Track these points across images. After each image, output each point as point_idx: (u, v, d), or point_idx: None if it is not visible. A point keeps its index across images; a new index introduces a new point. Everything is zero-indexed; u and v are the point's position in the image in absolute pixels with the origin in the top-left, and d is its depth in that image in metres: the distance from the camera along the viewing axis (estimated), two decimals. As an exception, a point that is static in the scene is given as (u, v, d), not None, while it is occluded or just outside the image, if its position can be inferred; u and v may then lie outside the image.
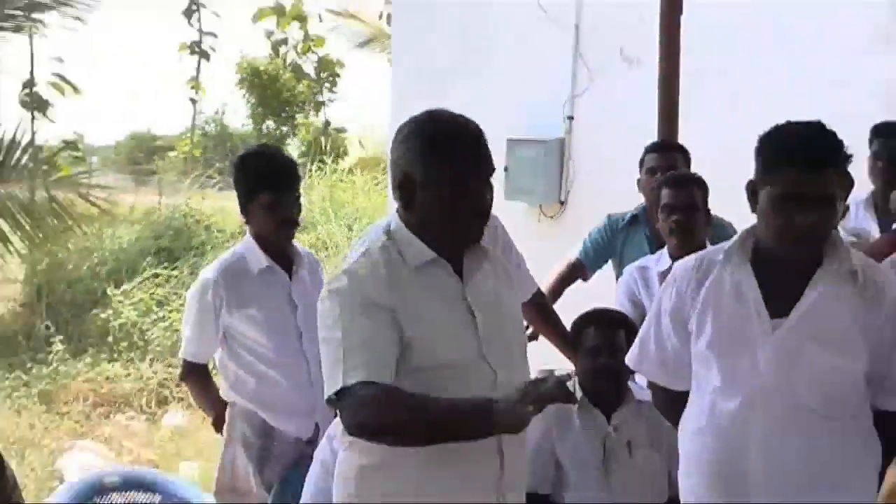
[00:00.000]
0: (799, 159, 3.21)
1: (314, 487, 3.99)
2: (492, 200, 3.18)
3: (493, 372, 3.10)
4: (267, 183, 4.72)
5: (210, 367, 5.09)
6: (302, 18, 22.05)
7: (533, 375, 3.50)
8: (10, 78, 16.55)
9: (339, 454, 3.27)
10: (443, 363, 3.03)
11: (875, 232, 5.06)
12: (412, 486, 3.07)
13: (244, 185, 4.79)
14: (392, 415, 2.95)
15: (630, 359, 3.65)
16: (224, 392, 4.88)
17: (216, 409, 4.91)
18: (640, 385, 4.61)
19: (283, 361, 4.66)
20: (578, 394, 4.53)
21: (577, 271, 5.77)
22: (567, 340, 4.84)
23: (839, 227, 5.03)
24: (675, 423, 3.54)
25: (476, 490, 3.11)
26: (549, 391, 2.84)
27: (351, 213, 15.23)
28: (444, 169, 3.09)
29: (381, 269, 3.09)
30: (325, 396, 3.04)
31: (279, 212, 4.71)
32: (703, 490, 3.37)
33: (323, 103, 22.15)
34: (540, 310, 5.03)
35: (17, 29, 13.87)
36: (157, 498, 4.52)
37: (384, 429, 2.99)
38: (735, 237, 3.43)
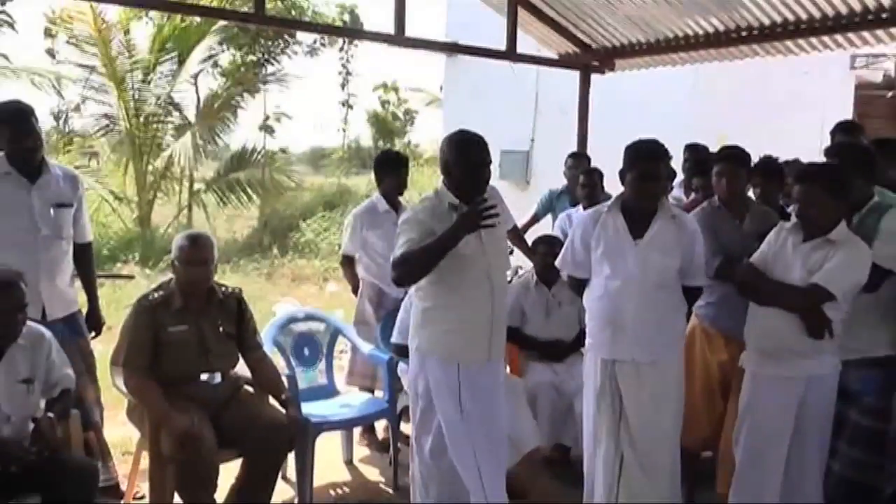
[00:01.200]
0: (644, 156, 3.18)
1: (401, 320, 3.98)
2: (490, 173, 3.12)
3: (488, 262, 3.06)
4: (389, 168, 4.68)
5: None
6: (397, 90, 22.09)
7: (511, 270, 3.44)
8: (253, 115, 16.69)
9: (413, 302, 3.25)
10: (461, 255, 2.97)
11: (685, 199, 4.97)
12: (448, 312, 3.06)
13: (379, 168, 4.72)
14: (408, 260, 2.93)
15: (558, 262, 3.52)
16: (359, 272, 4.85)
17: (355, 282, 4.86)
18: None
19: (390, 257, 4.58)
20: (535, 279, 4.51)
21: (534, 219, 5.69)
22: (530, 251, 4.78)
23: (669, 196, 4.96)
24: (580, 295, 3.44)
25: (479, 311, 3.07)
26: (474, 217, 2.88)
27: (421, 187, 15.13)
28: (465, 156, 3.04)
29: (428, 207, 3.06)
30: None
31: (394, 183, 4.67)
32: (600, 328, 3.29)
33: (407, 132, 22.18)
34: (515, 235, 4.94)
35: (254, 92, 14.29)
36: (323, 325, 4.49)
37: (403, 266, 2.96)
38: (612, 199, 3.35)
